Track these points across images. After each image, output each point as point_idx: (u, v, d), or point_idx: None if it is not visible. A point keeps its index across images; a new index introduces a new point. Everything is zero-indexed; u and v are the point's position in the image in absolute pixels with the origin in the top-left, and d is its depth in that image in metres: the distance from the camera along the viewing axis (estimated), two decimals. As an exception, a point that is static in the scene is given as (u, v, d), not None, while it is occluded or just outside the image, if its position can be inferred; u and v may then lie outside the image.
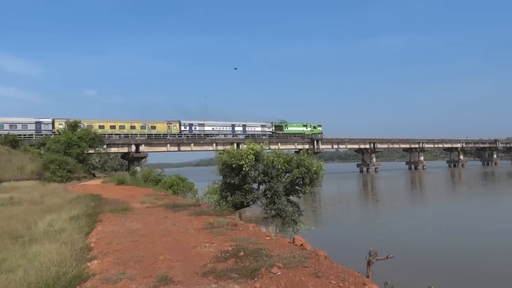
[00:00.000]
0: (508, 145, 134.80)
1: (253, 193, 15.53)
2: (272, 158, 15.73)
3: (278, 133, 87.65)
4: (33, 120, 60.40)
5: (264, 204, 15.49)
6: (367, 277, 7.95)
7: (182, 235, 8.24)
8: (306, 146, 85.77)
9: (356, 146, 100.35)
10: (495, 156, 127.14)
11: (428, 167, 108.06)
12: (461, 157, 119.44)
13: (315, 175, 15.17)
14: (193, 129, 77.99)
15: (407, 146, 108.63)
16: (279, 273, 5.03)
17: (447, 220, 24.16)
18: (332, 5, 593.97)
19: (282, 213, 15.12)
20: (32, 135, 58.39)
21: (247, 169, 14.77)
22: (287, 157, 15.94)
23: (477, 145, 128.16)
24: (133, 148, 68.40)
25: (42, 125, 60.56)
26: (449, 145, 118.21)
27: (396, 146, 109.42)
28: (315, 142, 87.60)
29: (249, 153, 14.99)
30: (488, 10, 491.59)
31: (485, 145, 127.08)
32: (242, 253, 6.01)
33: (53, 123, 61.03)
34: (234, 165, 15.05)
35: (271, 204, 15.25)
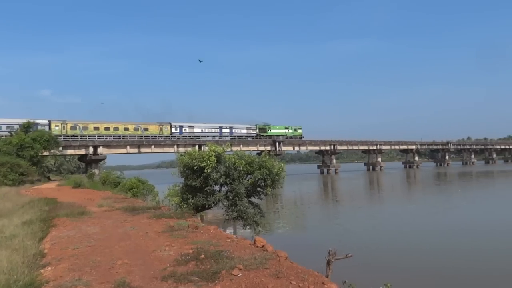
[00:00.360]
0: (459, 147, 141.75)
1: (215, 195, 15.42)
2: (234, 159, 15.70)
3: (262, 135, 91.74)
4: (31, 122, 59.62)
5: (225, 206, 15.43)
6: (327, 276, 8.10)
7: (141, 238, 8.07)
8: (268, 148, 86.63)
9: (317, 148, 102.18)
10: (447, 157, 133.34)
11: (385, 168, 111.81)
12: (416, 158, 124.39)
13: (276, 177, 15.26)
14: (183, 131, 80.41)
15: (366, 148, 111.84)
16: (240, 274, 5.03)
17: (403, 220, 25.07)
18: (293, 8, 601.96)
19: (244, 214, 15.11)
20: None
21: (208, 171, 14.65)
22: (248, 158, 15.95)
23: (430, 147, 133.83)
24: (91, 150, 66.37)
25: (39, 126, 59.69)
26: (405, 147, 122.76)
27: (355, 148, 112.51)
28: (277, 143, 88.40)
29: (210, 154, 14.89)
30: (444, 15, 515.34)
31: (438, 147, 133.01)
32: (202, 256, 5.96)
33: (49, 124, 62.68)
34: (195, 167, 14.90)
35: (232, 206, 15.20)
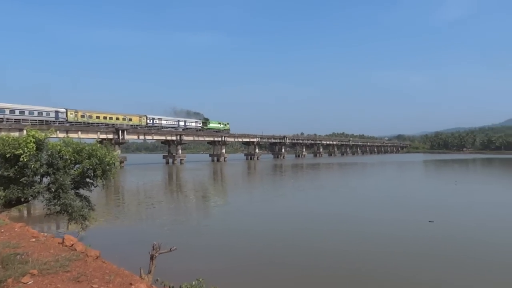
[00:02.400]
0: (293, 141, 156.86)
1: (34, 187, 13.52)
2: (59, 147, 14.01)
3: (204, 128, 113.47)
4: (53, 109, 74.49)
5: (46, 199, 13.68)
6: (150, 272, 7.74)
7: None
8: (110, 136, 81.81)
9: (163, 138, 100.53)
10: (283, 150, 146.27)
11: (228, 159, 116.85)
12: (257, 150, 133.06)
13: (108, 167, 14.18)
14: (154, 122, 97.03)
15: (211, 139, 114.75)
16: (31, 282, 4.29)
17: (237, 208, 26.26)
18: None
19: (69, 208, 13.63)
20: (54, 121, 72.23)
21: (25, 160, 12.74)
22: (77, 146, 14.41)
23: (270, 140, 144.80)
24: None
25: (59, 113, 75.00)
26: (247, 140, 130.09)
27: (201, 139, 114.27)
28: (120, 132, 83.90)
29: (28, 141, 12.96)
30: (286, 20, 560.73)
31: (276, 141, 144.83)
32: (-11, 261, 4.96)
33: (66, 112, 76.40)
34: (8, 155, 12.79)
35: (55, 199, 13.57)
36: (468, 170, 75.88)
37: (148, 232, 18.19)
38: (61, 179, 13.54)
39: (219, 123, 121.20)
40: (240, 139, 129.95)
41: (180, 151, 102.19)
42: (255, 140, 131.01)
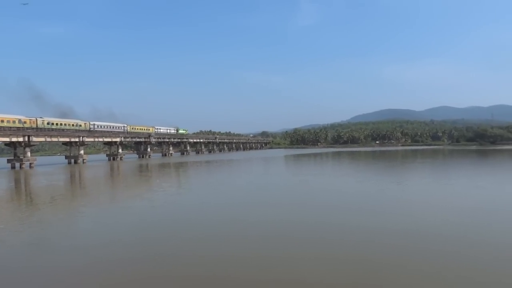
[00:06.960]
0: (160, 140, 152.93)
1: None
2: None
3: (176, 133, 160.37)
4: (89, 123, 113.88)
5: None
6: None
7: None
8: None
9: (7, 139, 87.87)
10: (149, 149, 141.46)
11: (88, 161, 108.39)
12: (120, 150, 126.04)
13: None
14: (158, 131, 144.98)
15: (67, 140, 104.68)
16: None
17: (89, 221, 23.99)
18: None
19: None
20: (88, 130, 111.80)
21: None
22: None
23: (134, 139, 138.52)
24: None
25: (96, 126, 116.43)
26: (109, 139, 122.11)
27: (55, 139, 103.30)
28: None
29: None
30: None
31: (141, 139, 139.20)
32: None
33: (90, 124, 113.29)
34: None
35: None
36: (322, 163, 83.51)
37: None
38: None
39: (184, 130, 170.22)
40: (101, 139, 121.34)
41: (29, 153, 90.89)
42: (118, 139, 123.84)
